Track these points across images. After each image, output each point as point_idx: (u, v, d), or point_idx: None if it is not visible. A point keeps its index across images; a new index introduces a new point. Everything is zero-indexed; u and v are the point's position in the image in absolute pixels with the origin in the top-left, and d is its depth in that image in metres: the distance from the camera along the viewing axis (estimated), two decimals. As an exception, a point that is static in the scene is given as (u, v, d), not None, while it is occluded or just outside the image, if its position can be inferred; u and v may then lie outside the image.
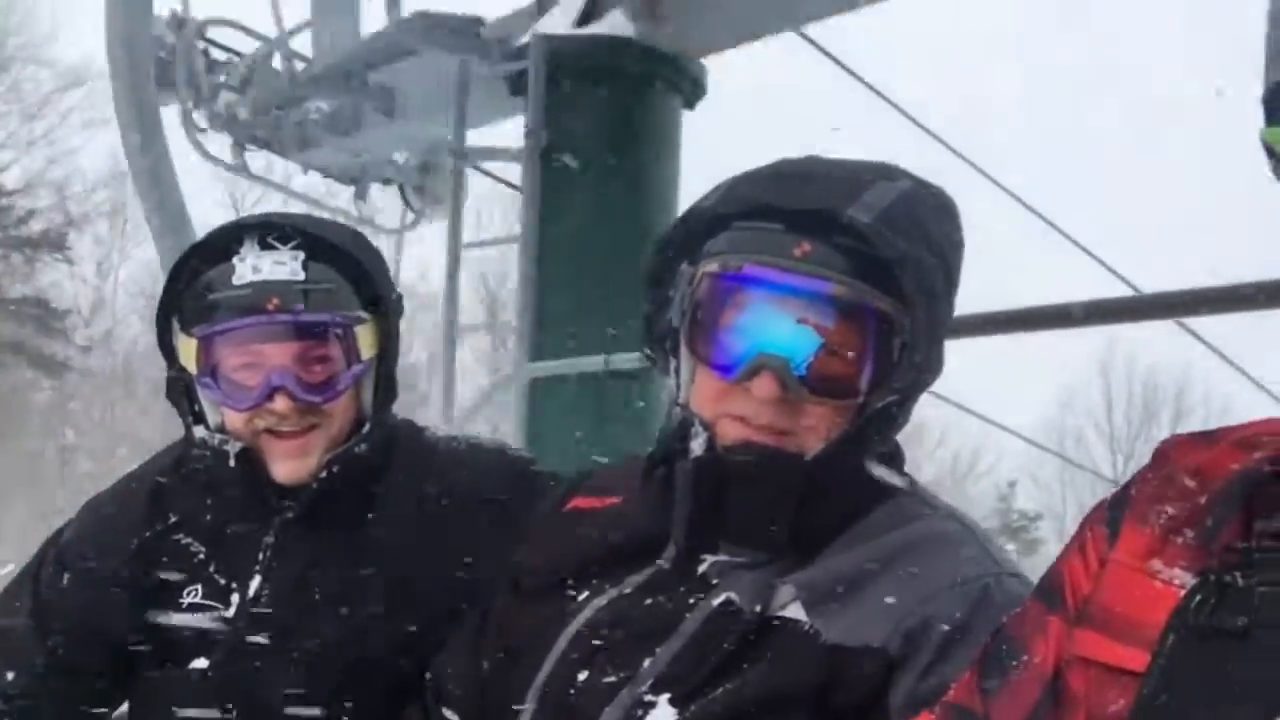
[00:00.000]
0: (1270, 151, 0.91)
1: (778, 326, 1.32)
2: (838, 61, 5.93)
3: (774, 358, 1.31)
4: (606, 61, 5.75)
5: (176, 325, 1.74)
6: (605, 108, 5.79)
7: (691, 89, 6.05)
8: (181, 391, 1.78)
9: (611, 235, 5.45)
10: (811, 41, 5.84)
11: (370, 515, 1.77)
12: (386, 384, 1.80)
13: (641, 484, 1.45)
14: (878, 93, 6.15)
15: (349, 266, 1.75)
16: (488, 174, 6.79)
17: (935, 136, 6.37)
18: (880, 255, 1.30)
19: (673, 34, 5.77)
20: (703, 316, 1.37)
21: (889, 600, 1.27)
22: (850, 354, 1.33)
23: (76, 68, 24.14)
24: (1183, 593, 0.90)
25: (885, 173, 1.38)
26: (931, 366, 1.38)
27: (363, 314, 1.75)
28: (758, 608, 1.29)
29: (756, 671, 1.26)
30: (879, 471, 1.40)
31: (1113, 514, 1.02)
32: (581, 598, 1.40)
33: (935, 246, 1.35)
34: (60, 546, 1.84)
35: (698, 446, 1.36)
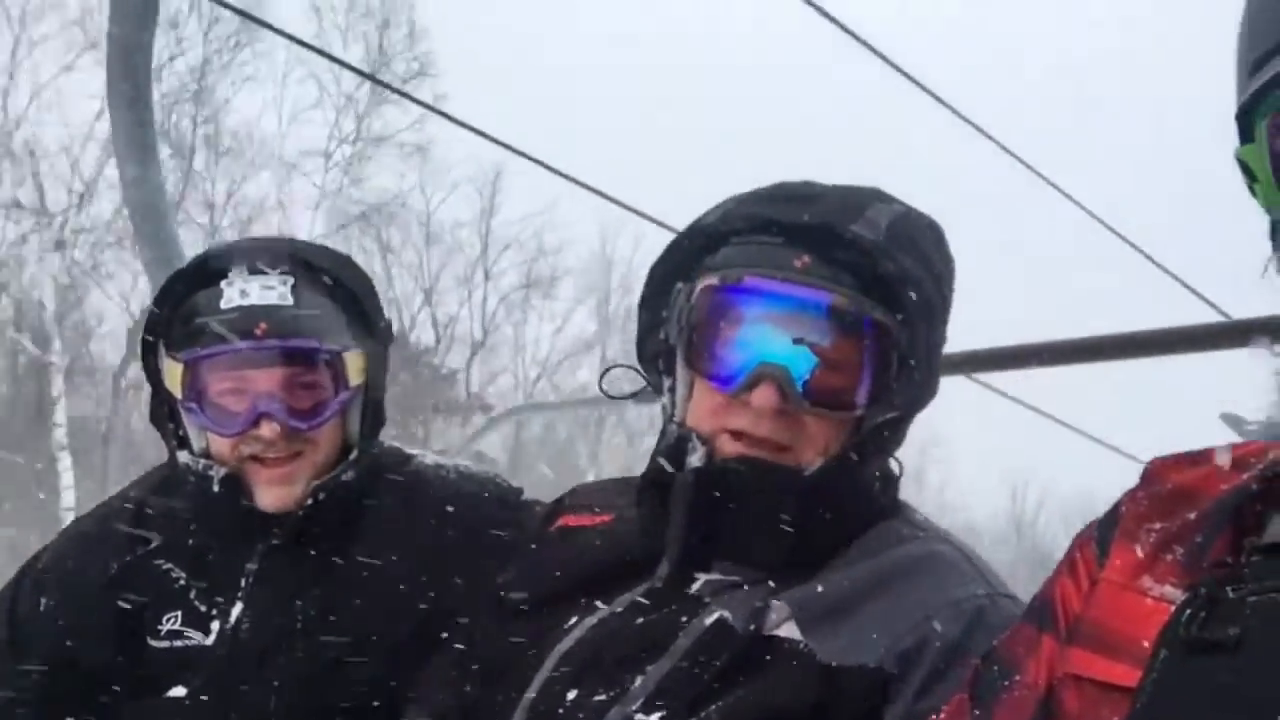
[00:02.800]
0: (1245, 169, 0.91)
1: (778, 338, 1.32)
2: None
3: (775, 367, 1.31)
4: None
5: (162, 349, 1.73)
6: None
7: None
8: (166, 416, 1.76)
9: None
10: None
11: (355, 544, 1.75)
12: (374, 411, 1.79)
13: (635, 502, 1.44)
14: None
15: (338, 292, 1.74)
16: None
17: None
18: (880, 272, 1.31)
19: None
20: (701, 330, 1.36)
21: (884, 620, 1.26)
22: (849, 366, 1.33)
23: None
24: (1173, 609, 0.89)
25: (881, 195, 1.40)
26: (929, 386, 1.39)
27: (351, 341, 1.74)
28: (751, 627, 1.27)
29: (750, 691, 1.25)
30: (885, 499, 1.40)
31: (1102, 533, 1.02)
32: (572, 616, 1.38)
33: (933, 267, 1.36)
34: (37, 572, 1.81)
35: (696, 460, 1.35)
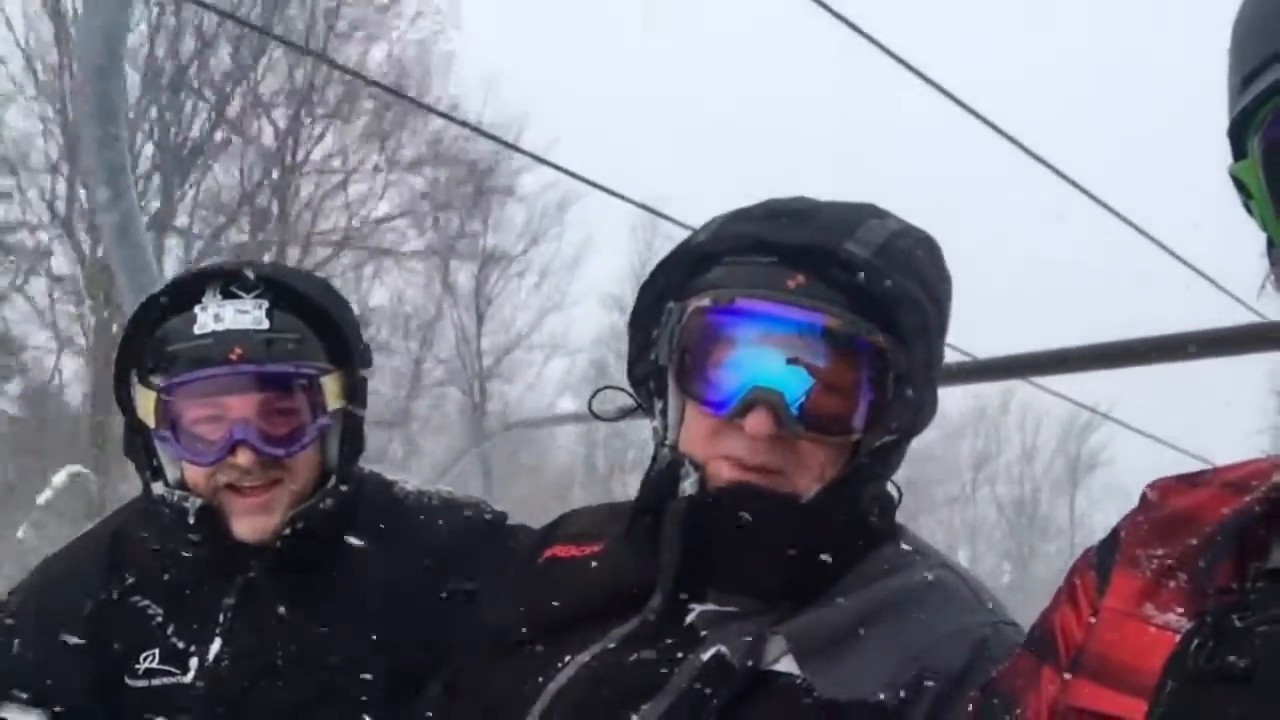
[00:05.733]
0: (1239, 185, 0.89)
1: (771, 361, 1.28)
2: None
3: (769, 392, 1.27)
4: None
5: (135, 378, 1.69)
6: None
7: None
8: (140, 446, 1.72)
9: None
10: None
11: (336, 574, 1.71)
12: (353, 437, 1.76)
13: (626, 531, 1.40)
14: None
15: (315, 316, 1.71)
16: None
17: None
18: (875, 291, 1.27)
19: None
20: (693, 353, 1.32)
21: (884, 652, 1.23)
22: (846, 389, 1.29)
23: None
24: (1178, 638, 0.87)
25: (875, 212, 1.37)
26: (926, 407, 1.35)
27: (329, 365, 1.70)
28: (750, 662, 1.24)
29: None
30: (882, 524, 1.37)
31: (1102, 559, 0.99)
32: (565, 654, 1.34)
33: (929, 285, 1.33)
34: (11, 611, 1.76)
35: (689, 487, 1.31)
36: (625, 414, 1.53)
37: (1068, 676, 0.94)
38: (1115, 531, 1.01)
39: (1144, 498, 1.02)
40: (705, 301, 1.32)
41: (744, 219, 1.36)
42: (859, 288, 1.27)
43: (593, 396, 1.59)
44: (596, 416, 1.57)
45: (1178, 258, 7.00)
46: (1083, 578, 1.00)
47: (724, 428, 1.30)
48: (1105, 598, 0.95)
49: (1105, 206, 6.64)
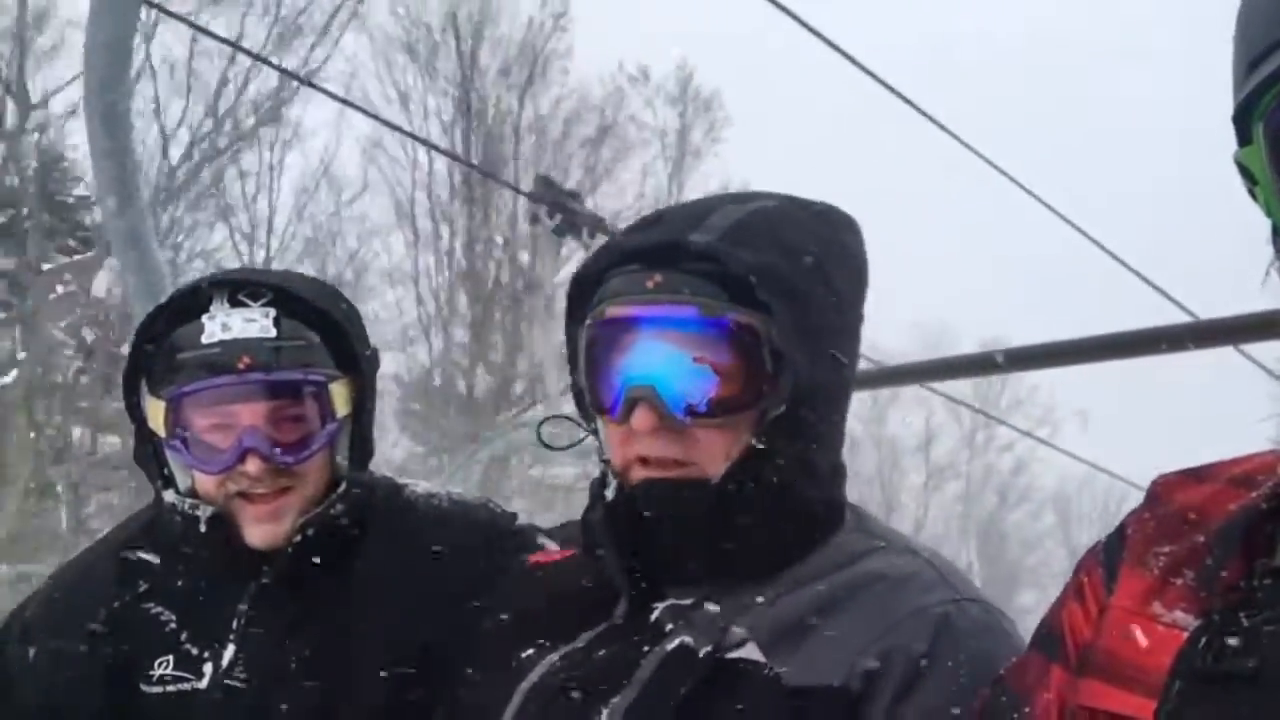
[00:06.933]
0: (1244, 171, 0.89)
1: (642, 358, 1.34)
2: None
3: (641, 388, 1.33)
4: None
5: (144, 387, 1.70)
6: None
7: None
8: (150, 455, 1.73)
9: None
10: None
11: (347, 580, 1.72)
12: (362, 443, 1.76)
13: (583, 544, 1.46)
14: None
15: (322, 322, 1.71)
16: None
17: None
18: (727, 271, 1.31)
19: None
20: (589, 370, 1.40)
21: (846, 637, 1.25)
22: (720, 370, 1.33)
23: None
24: (1186, 635, 0.87)
25: (736, 198, 1.43)
26: (822, 371, 1.36)
27: (337, 371, 1.71)
28: (710, 648, 1.26)
29: (716, 717, 1.23)
30: (816, 493, 1.38)
31: (1109, 557, 1.00)
32: (536, 654, 1.39)
33: (793, 252, 1.35)
34: (24, 621, 1.77)
35: (609, 494, 1.38)
36: (577, 442, 1.62)
37: (1077, 675, 0.94)
38: (1122, 528, 1.01)
39: (1150, 493, 1.02)
40: (590, 320, 1.40)
41: (619, 236, 1.45)
42: (715, 272, 1.32)
43: (540, 425, 1.69)
44: (547, 446, 1.68)
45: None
46: (1090, 575, 1.00)
47: (629, 432, 1.36)
48: (1113, 596, 0.96)
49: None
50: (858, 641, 1.24)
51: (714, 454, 1.34)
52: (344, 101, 17.22)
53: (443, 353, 23.49)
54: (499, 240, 23.23)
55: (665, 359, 1.33)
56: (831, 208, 1.46)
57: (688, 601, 1.33)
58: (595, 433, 1.48)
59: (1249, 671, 0.81)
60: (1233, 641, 0.83)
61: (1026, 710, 0.98)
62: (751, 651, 1.26)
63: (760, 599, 1.31)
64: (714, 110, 25.22)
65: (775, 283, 1.31)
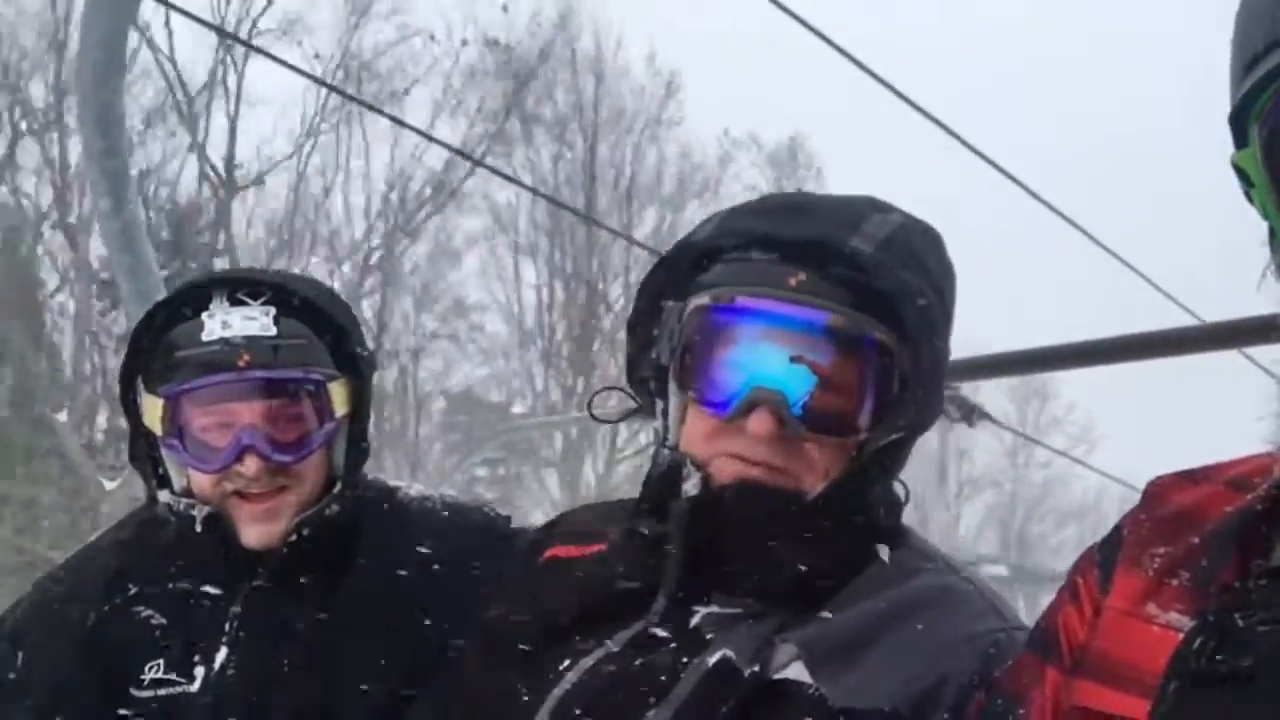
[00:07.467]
0: (1241, 174, 0.90)
1: (773, 360, 1.26)
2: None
3: (770, 393, 1.25)
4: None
5: (141, 385, 1.70)
6: None
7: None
8: (146, 454, 1.72)
9: None
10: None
11: (341, 581, 1.71)
12: (358, 443, 1.76)
13: (626, 532, 1.37)
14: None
15: (321, 322, 1.71)
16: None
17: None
18: (878, 287, 1.25)
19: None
20: (693, 352, 1.30)
21: (897, 659, 1.20)
22: (849, 388, 1.27)
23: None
24: (1181, 636, 0.87)
25: (877, 205, 1.35)
26: (933, 404, 1.33)
27: (335, 371, 1.71)
28: (756, 667, 1.21)
29: None
30: (892, 522, 1.35)
31: (1104, 558, 1.00)
32: (566, 658, 1.31)
33: (934, 280, 1.30)
34: (14, 625, 1.75)
35: (692, 487, 1.29)
36: (626, 415, 1.51)
37: (1072, 676, 0.95)
38: (1118, 529, 1.01)
39: (1146, 494, 1.02)
40: (705, 300, 1.30)
41: (743, 215, 1.34)
42: (862, 283, 1.25)
43: (591, 398, 1.58)
44: (596, 419, 1.55)
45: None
46: (1085, 576, 1.00)
47: (726, 428, 1.29)
48: (1108, 597, 0.96)
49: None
50: (909, 666, 1.19)
51: (815, 468, 1.29)
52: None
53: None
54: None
55: (798, 366, 1.26)
56: (934, 229, 1.38)
57: (732, 611, 1.28)
58: (659, 412, 1.39)
59: (1245, 672, 0.81)
60: (1228, 642, 0.83)
61: (1021, 712, 0.98)
62: (798, 671, 1.21)
63: (813, 614, 1.25)
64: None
65: (921, 310, 1.26)
